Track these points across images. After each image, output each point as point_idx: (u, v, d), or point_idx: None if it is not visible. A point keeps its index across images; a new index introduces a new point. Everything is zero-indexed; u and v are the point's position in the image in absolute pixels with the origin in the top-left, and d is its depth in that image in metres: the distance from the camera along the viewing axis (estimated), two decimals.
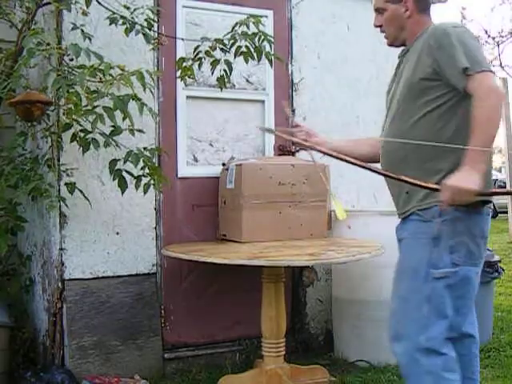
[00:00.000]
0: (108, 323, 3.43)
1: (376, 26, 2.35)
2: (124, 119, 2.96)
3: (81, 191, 3.20)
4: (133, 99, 2.91)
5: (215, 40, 3.16)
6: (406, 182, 2.09)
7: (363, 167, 2.14)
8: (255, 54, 3.14)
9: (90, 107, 2.94)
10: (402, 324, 2.16)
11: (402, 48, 2.35)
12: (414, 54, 2.21)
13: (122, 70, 2.98)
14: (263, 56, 3.18)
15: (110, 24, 3.14)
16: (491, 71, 2.04)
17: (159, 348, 3.57)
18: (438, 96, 2.12)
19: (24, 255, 3.84)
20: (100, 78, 2.97)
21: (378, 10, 2.32)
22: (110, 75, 2.91)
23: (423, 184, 2.07)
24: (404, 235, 2.23)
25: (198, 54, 3.22)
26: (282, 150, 4.01)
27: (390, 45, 2.37)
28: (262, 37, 3.11)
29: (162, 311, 3.65)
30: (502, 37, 18.82)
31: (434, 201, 2.10)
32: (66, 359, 3.35)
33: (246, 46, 3.14)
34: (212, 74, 3.27)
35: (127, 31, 3.12)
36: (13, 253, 3.76)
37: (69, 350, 3.33)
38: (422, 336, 2.10)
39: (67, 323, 3.36)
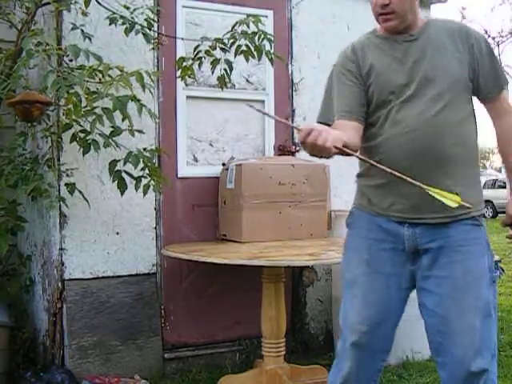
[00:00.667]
0: (108, 323, 3.43)
1: (385, 6, 2.04)
2: (123, 120, 2.96)
3: (80, 192, 3.20)
4: (132, 100, 2.91)
5: (215, 39, 3.16)
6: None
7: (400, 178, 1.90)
8: (255, 53, 3.14)
9: (89, 108, 2.94)
10: (481, 337, 2.00)
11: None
12: (437, 44, 2.05)
13: (121, 70, 2.98)
14: (263, 55, 3.18)
15: (110, 24, 3.15)
16: None
17: (159, 348, 3.57)
18: (471, 98, 2.09)
19: (24, 255, 3.84)
20: (99, 79, 2.97)
21: None
22: (109, 76, 2.91)
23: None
24: (457, 241, 2.02)
25: (198, 53, 3.23)
26: (282, 149, 4.01)
27: (393, 29, 2.09)
28: (262, 36, 3.11)
29: (162, 311, 3.65)
30: (502, 37, 18.84)
31: (483, 207, 2.11)
32: (66, 359, 3.35)
33: (246, 45, 3.14)
34: (212, 73, 3.27)
35: (127, 31, 3.12)
36: (13, 253, 3.76)
37: (69, 350, 3.33)
38: (493, 344, 2.05)
39: (67, 323, 3.36)
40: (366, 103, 2.11)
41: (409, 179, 1.88)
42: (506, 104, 2.11)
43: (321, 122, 2.12)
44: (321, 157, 1.85)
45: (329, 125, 2.07)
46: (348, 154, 1.89)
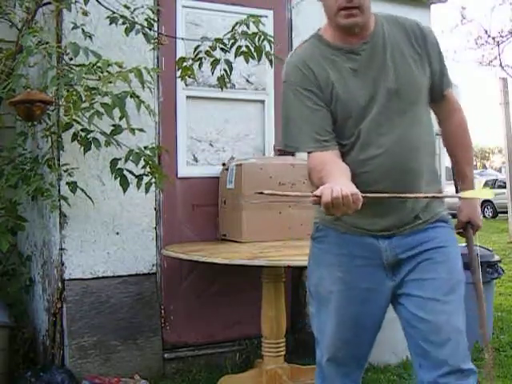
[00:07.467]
0: (108, 323, 3.43)
1: (354, 8, 1.83)
2: (121, 118, 2.96)
3: (82, 190, 3.20)
4: (131, 97, 2.91)
5: (215, 40, 3.16)
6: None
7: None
8: (255, 54, 3.14)
9: (88, 104, 2.94)
10: (465, 343, 1.91)
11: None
12: (394, 48, 1.90)
13: (120, 66, 2.99)
14: (263, 56, 3.18)
15: (110, 23, 3.15)
16: None
17: (159, 348, 3.57)
18: (428, 100, 1.99)
19: (24, 255, 3.84)
20: (99, 77, 2.97)
21: None
22: (108, 72, 2.91)
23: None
24: (437, 242, 1.94)
25: (198, 53, 3.23)
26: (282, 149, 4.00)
27: (353, 27, 1.87)
28: (262, 37, 3.12)
29: (162, 311, 3.65)
30: (502, 37, 18.83)
31: (444, 208, 2.02)
32: (66, 359, 3.35)
33: (247, 46, 3.15)
34: (212, 74, 3.27)
35: (127, 31, 3.12)
36: (13, 253, 3.76)
37: (69, 350, 3.33)
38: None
39: (67, 323, 3.36)
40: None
41: (421, 195, 1.80)
42: (455, 101, 2.05)
43: (287, 146, 1.98)
44: (352, 211, 1.66)
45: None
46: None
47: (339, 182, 1.68)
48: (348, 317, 1.99)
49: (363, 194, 1.67)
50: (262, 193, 1.68)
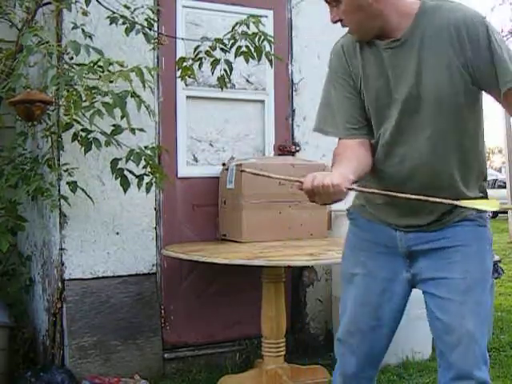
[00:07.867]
0: (108, 323, 3.43)
1: (338, 22, 1.81)
2: (122, 118, 2.96)
3: (83, 190, 3.20)
4: (132, 96, 2.91)
5: (215, 40, 3.16)
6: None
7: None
8: (255, 54, 3.15)
9: (88, 103, 2.94)
10: (480, 348, 1.83)
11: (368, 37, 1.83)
12: (426, 49, 1.76)
13: (121, 65, 2.99)
14: (263, 56, 3.18)
15: (111, 24, 3.15)
16: None
17: (159, 348, 3.57)
18: (473, 102, 1.84)
19: (24, 255, 3.84)
20: (100, 76, 2.97)
21: (330, 2, 1.79)
22: (109, 71, 2.91)
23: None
24: (457, 241, 1.86)
25: (198, 53, 3.23)
26: (282, 149, 4.01)
27: (362, 40, 1.85)
28: (262, 37, 3.12)
29: (162, 311, 3.65)
30: (502, 37, 18.86)
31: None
32: (66, 359, 3.35)
33: (247, 46, 3.15)
34: (212, 74, 3.27)
35: (127, 31, 3.12)
36: (13, 253, 3.76)
37: (69, 350, 3.33)
38: (486, 352, 1.88)
39: (67, 323, 3.36)
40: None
41: (431, 199, 1.71)
42: None
43: (322, 130, 2.00)
44: (333, 202, 1.70)
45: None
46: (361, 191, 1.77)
47: (333, 172, 1.70)
48: (366, 304, 1.97)
49: (349, 187, 1.67)
50: (244, 171, 1.71)
